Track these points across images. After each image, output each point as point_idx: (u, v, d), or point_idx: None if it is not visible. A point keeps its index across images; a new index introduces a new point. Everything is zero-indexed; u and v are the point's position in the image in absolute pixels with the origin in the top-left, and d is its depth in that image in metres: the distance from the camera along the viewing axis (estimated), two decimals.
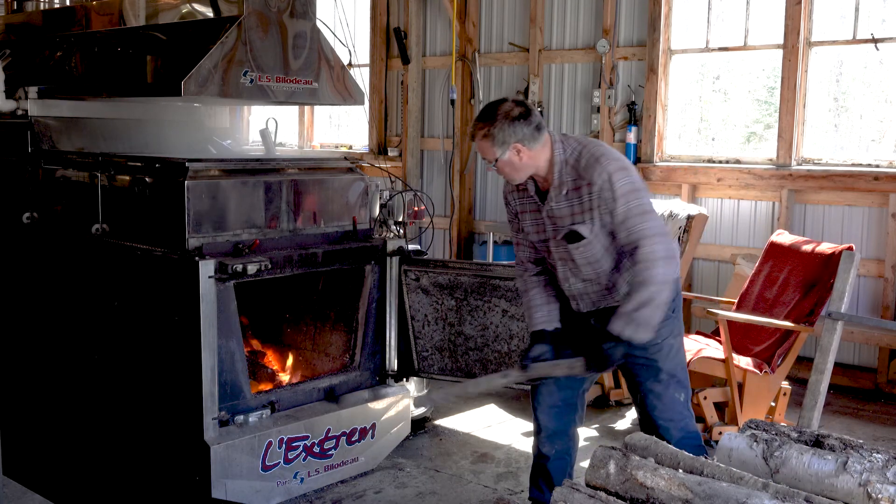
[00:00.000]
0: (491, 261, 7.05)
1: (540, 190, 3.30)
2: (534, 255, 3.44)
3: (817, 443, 3.00)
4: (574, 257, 3.28)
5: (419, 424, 5.00)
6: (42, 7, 6.24)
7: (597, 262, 3.27)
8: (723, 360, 4.72)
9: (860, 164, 6.01)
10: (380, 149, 8.61)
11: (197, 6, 4.70)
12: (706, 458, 2.84)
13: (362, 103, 4.86)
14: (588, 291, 3.36)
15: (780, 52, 6.20)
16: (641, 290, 3.10)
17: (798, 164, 6.19)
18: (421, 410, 5.00)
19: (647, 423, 3.47)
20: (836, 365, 4.65)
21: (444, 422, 5.23)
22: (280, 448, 3.97)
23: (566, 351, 3.36)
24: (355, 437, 4.29)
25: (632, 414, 5.36)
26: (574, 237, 3.24)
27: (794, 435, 3.07)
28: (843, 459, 2.80)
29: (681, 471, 2.70)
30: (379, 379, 4.49)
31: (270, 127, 5.73)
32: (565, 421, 3.57)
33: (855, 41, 6.01)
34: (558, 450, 3.56)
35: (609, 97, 7.00)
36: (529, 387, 3.70)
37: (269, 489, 3.97)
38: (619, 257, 3.26)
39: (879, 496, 2.62)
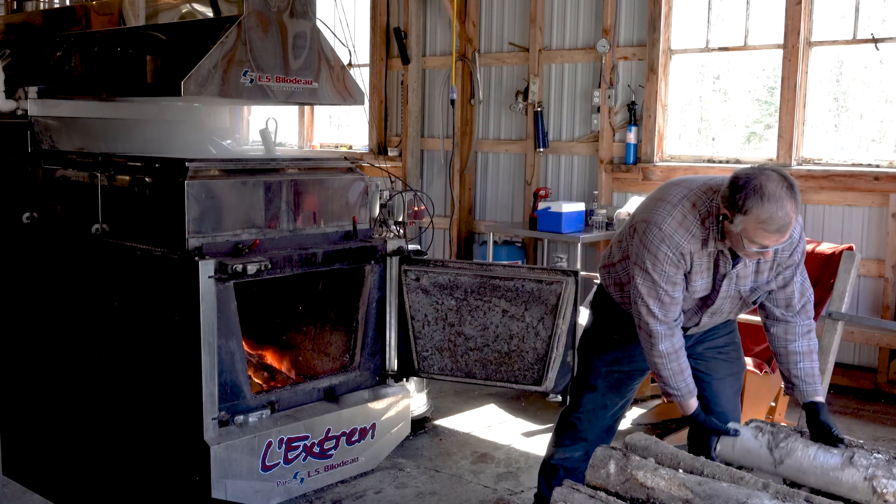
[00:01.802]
0: (491, 261, 7.05)
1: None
2: (679, 314, 3.16)
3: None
4: (742, 309, 3.28)
5: (419, 424, 5.00)
6: (42, 7, 6.24)
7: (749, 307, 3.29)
8: None
9: (860, 164, 6.01)
10: (380, 149, 8.61)
11: (197, 6, 4.70)
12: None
13: (362, 103, 4.86)
14: (704, 329, 3.39)
15: (780, 52, 6.20)
16: (815, 353, 3.19)
17: (798, 164, 6.19)
18: (421, 410, 5.00)
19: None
20: (836, 365, 4.65)
21: (444, 422, 5.23)
22: (280, 448, 3.97)
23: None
24: (355, 437, 4.29)
25: (632, 414, 5.36)
26: (763, 294, 3.16)
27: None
28: (850, 454, 2.80)
29: (681, 471, 2.70)
30: (379, 379, 4.49)
31: (270, 127, 5.74)
32: (614, 432, 3.61)
33: (855, 41, 6.00)
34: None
35: (609, 97, 7.00)
36: (534, 388, 3.70)
37: (269, 489, 3.97)
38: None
39: (885, 491, 2.62)
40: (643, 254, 3.07)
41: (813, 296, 3.21)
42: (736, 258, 3.04)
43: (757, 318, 4.85)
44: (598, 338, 3.51)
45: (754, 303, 3.21)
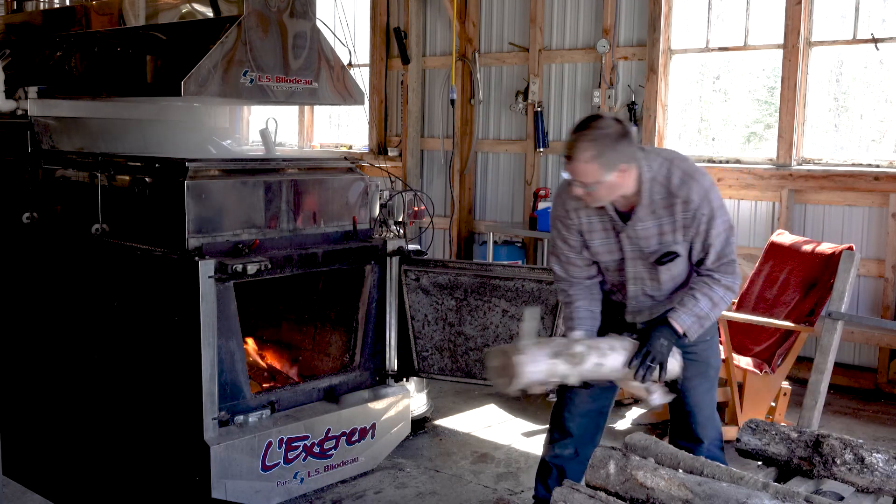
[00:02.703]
0: (491, 261, 7.05)
1: (619, 210, 3.13)
2: (587, 274, 3.29)
3: (817, 443, 3.00)
4: (659, 275, 3.20)
5: (419, 424, 5.00)
6: (42, 7, 6.24)
7: (679, 276, 3.23)
8: (723, 360, 4.71)
9: (860, 164, 6.01)
10: (380, 149, 8.61)
11: (197, 6, 4.70)
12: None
13: (362, 103, 4.86)
14: (652, 305, 3.31)
15: (781, 52, 6.20)
16: (714, 304, 3.13)
17: (798, 164, 6.19)
18: (421, 410, 5.00)
19: (685, 422, 3.44)
20: (836, 365, 4.65)
21: (444, 422, 5.23)
22: (280, 448, 3.97)
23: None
24: (355, 437, 4.29)
25: (632, 414, 5.36)
26: (668, 256, 3.15)
27: (794, 435, 3.07)
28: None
29: (681, 471, 2.70)
30: (379, 379, 4.49)
31: (270, 127, 5.74)
32: (594, 428, 3.58)
33: (855, 41, 6.00)
34: (582, 456, 3.51)
35: (609, 97, 7.00)
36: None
37: (269, 489, 3.97)
38: (691, 269, 3.22)
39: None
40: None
41: (734, 266, 3.18)
42: (626, 215, 3.11)
43: (757, 318, 4.87)
44: None
45: (661, 264, 3.16)
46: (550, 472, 3.61)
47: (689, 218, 3.07)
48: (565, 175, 3.10)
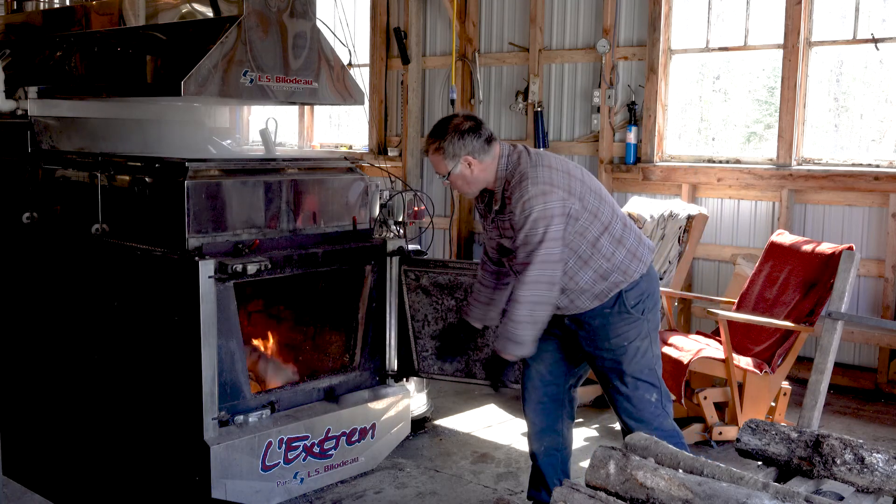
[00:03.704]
0: None
1: (491, 201, 3.41)
2: (494, 253, 3.54)
3: (817, 443, 3.00)
4: (512, 266, 3.37)
5: (419, 424, 5.00)
6: (42, 7, 6.24)
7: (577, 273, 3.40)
8: (723, 360, 4.72)
9: (860, 164, 6.01)
10: (380, 149, 8.61)
11: (197, 6, 4.70)
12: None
13: (362, 103, 4.86)
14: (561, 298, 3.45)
15: (781, 52, 6.20)
16: (511, 307, 3.28)
17: (798, 164, 6.19)
18: (421, 410, 5.00)
19: (622, 425, 3.54)
20: (836, 365, 4.65)
21: (444, 422, 5.23)
22: (280, 448, 3.97)
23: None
24: (355, 437, 4.29)
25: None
26: (504, 249, 3.37)
27: (794, 435, 3.07)
28: None
29: (681, 471, 2.70)
30: (379, 379, 4.49)
31: (270, 127, 5.73)
32: (553, 417, 3.62)
33: (855, 41, 6.00)
34: (547, 446, 3.62)
35: (609, 97, 7.00)
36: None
37: (269, 489, 3.97)
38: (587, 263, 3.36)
39: None
40: None
41: (531, 291, 3.24)
42: (496, 207, 3.35)
43: (757, 318, 4.87)
44: None
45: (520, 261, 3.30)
46: (534, 469, 3.70)
47: (516, 217, 3.22)
48: None
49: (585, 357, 3.53)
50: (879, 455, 2.87)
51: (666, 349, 4.79)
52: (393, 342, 4.49)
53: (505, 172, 3.31)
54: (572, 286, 3.34)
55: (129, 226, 4.16)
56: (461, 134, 3.25)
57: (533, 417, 3.63)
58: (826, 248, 4.85)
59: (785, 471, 3.09)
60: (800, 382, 5.19)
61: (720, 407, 4.91)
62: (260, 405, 3.98)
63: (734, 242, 6.46)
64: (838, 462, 2.91)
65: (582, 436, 4.98)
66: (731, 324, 4.72)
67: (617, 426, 5.20)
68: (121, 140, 5.10)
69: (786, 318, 4.80)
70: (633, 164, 6.88)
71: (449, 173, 3.30)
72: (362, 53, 8.39)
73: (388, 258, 4.41)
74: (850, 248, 4.36)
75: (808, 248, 4.96)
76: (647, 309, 3.43)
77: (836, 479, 2.94)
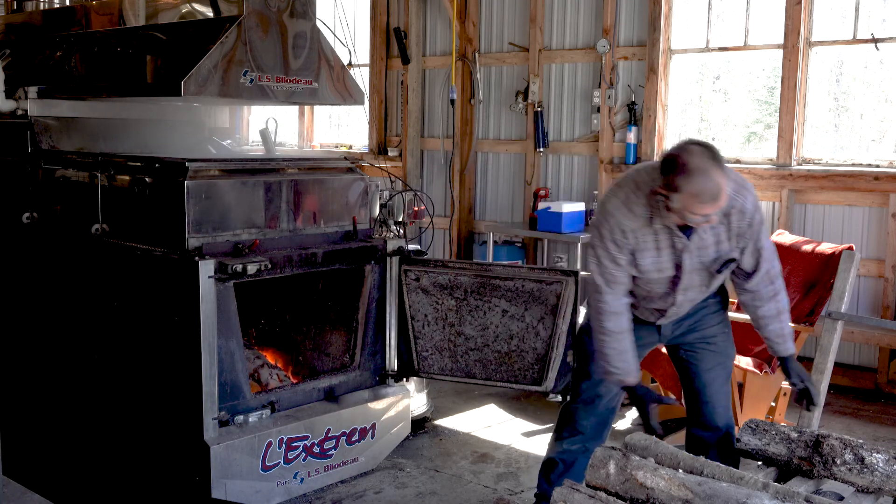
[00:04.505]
0: (491, 261, 7.05)
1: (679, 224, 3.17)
2: (625, 291, 3.29)
3: (817, 443, 3.00)
4: (712, 282, 3.34)
5: (419, 424, 5.00)
6: (42, 7, 6.24)
7: (722, 278, 3.39)
8: None
9: (860, 164, 6.01)
10: (380, 149, 8.61)
11: (197, 6, 4.70)
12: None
13: (362, 103, 4.86)
14: (684, 310, 3.45)
15: (781, 52, 6.20)
16: (784, 313, 3.41)
17: (798, 164, 6.19)
18: (421, 410, 5.00)
19: (702, 411, 3.55)
20: (836, 365, 4.65)
21: (444, 422, 5.23)
22: (280, 448, 3.97)
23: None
24: (355, 437, 4.29)
25: (632, 414, 5.36)
26: (727, 264, 3.27)
27: (794, 435, 3.07)
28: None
29: (681, 471, 2.70)
30: (379, 379, 4.49)
31: (270, 127, 5.74)
32: (605, 426, 3.66)
33: (855, 41, 6.00)
34: (590, 451, 3.60)
35: (609, 97, 6.99)
36: (534, 388, 3.73)
37: (269, 489, 3.97)
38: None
39: None
40: (593, 233, 3.27)
41: (777, 265, 3.37)
42: (686, 231, 3.15)
43: None
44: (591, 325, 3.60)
45: (719, 272, 3.31)
46: (555, 467, 3.66)
47: (745, 226, 3.19)
48: (616, 210, 3.16)
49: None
50: (879, 455, 2.88)
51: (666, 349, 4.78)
52: (393, 342, 4.49)
53: None
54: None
55: (129, 226, 4.16)
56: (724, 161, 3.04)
57: (586, 426, 3.59)
58: (826, 248, 4.85)
59: (785, 471, 3.09)
60: None
61: None
62: (260, 405, 3.98)
63: None
64: (838, 462, 2.91)
65: None
66: (732, 324, 4.71)
67: (617, 426, 5.21)
68: (121, 140, 5.10)
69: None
70: (633, 165, 6.88)
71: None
72: (362, 53, 8.39)
73: (388, 258, 4.41)
74: (850, 248, 4.36)
75: (808, 248, 4.96)
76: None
77: (836, 479, 2.94)
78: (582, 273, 4.44)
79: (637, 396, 3.33)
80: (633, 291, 3.33)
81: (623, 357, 3.26)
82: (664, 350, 3.91)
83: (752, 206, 3.20)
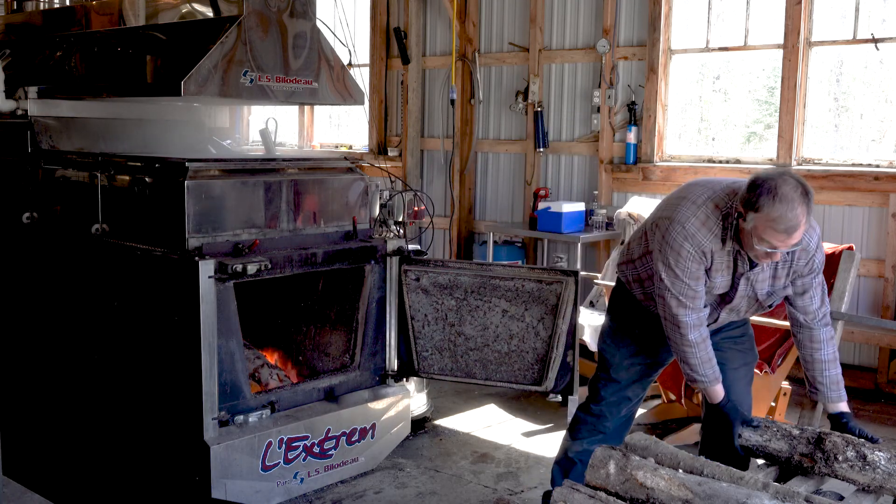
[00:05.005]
0: (491, 261, 7.05)
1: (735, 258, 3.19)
2: (704, 304, 3.28)
3: (819, 440, 3.00)
4: (758, 310, 3.37)
5: (419, 424, 5.00)
6: (42, 7, 6.24)
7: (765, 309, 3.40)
8: None
9: (860, 164, 6.01)
10: (380, 149, 8.61)
11: (197, 6, 4.70)
12: None
13: (362, 103, 4.85)
14: (725, 322, 3.47)
15: (781, 52, 6.20)
16: (836, 360, 3.33)
17: (798, 164, 6.19)
18: (421, 410, 5.00)
19: None
20: None
21: (444, 422, 5.23)
22: (280, 448, 3.97)
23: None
24: (355, 437, 4.29)
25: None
26: (777, 298, 3.29)
27: (796, 432, 3.07)
28: None
29: (681, 471, 2.70)
30: (379, 379, 4.49)
31: (270, 127, 5.74)
32: (625, 427, 3.68)
33: (855, 41, 6.00)
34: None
35: (609, 97, 7.00)
36: (534, 388, 3.72)
37: (269, 489, 3.97)
38: None
39: None
40: (667, 250, 3.17)
41: (828, 307, 3.36)
42: (753, 261, 3.13)
43: (759, 319, 4.86)
44: (620, 333, 3.59)
45: (770, 306, 3.33)
46: (574, 466, 3.65)
47: (805, 265, 3.19)
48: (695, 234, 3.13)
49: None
50: (881, 453, 2.87)
51: None
52: (393, 342, 4.49)
53: None
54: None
55: (129, 226, 4.15)
56: (810, 199, 2.96)
57: (608, 427, 3.62)
58: (826, 248, 4.85)
59: (786, 468, 3.09)
60: (800, 382, 5.17)
61: None
62: (260, 405, 3.98)
63: None
64: (840, 459, 2.91)
65: None
66: None
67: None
68: (121, 140, 5.10)
69: (786, 319, 4.79)
70: (633, 165, 6.88)
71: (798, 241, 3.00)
72: (362, 53, 8.39)
73: (388, 258, 4.41)
74: (850, 248, 4.36)
75: None
76: None
77: (837, 476, 2.94)
78: (582, 273, 4.45)
79: (723, 414, 3.24)
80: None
81: (708, 365, 3.26)
82: None
83: (816, 245, 3.17)
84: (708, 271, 3.17)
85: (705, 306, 3.25)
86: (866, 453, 2.89)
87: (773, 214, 2.89)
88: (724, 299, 3.28)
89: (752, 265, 3.15)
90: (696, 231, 3.12)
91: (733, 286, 3.22)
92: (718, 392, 3.26)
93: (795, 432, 3.08)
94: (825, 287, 3.33)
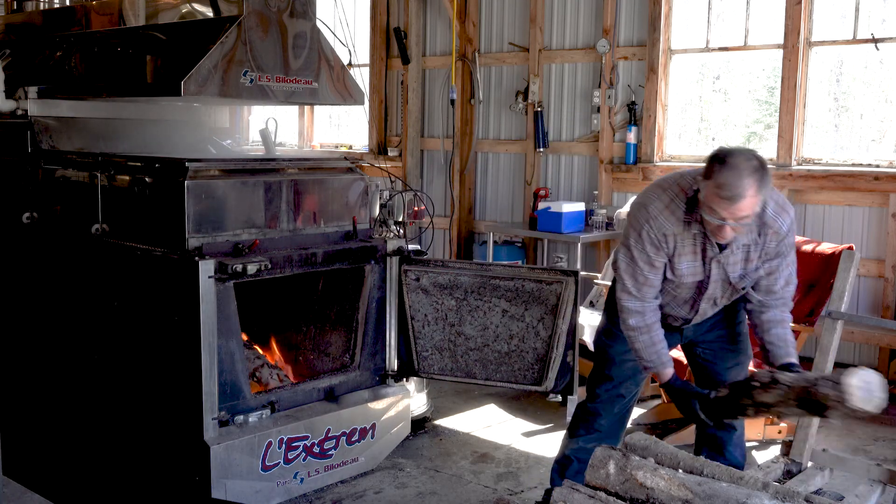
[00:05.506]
0: (491, 261, 7.05)
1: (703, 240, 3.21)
2: (655, 294, 3.33)
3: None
4: (734, 295, 3.36)
5: (419, 424, 5.00)
6: (42, 7, 6.24)
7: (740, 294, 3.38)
8: None
9: (860, 164, 6.01)
10: (380, 149, 8.61)
11: (197, 6, 4.70)
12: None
13: (362, 103, 4.85)
14: (707, 316, 3.48)
15: (781, 52, 6.20)
16: (788, 322, 3.34)
17: (798, 164, 6.19)
18: (421, 410, 5.00)
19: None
20: (836, 365, 4.63)
21: (444, 422, 5.23)
22: (280, 448, 3.97)
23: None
24: (355, 437, 4.29)
25: (632, 414, 5.36)
26: (751, 280, 3.29)
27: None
28: None
29: (681, 471, 2.70)
30: (379, 379, 4.49)
31: (270, 127, 5.74)
32: (622, 425, 3.71)
33: (855, 41, 6.00)
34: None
35: (609, 97, 7.00)
36: (534, 388, 3.72)
37: (269, 489, 3.97)
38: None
39: None
40: (629, 232, 3.26)
41: (794, 288, 3.37)
42: (722, 245, 3.17)
43: None
44: (613, 329, 3.60)
45: (743, 289, 3.33)
46: (571, 464, 3.68)
47: (775, 247, 3.20)
48: (659, 213, 3.15)
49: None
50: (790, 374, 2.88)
51: None
52: (393, 342, 4.49)
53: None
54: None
55: (129, 226, 4.15)
56: (766, 171, 2.97)
57: (604, 425, 3.64)
58: (826, 247, 4.85)
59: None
60: None
61: None
62: (260, 405, 3.98)
63: None
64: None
65: None
66: None
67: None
68: (121, 140, 5.10)
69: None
70: (633, 165, 6.88)
71: (749, 215, 3.00)
72: (362, 53, 8.39)
73: (388, 258, 4.41)
74: (850, 248, 4.35)
75: (807, 248, 4.95)
76: None
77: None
78: (582, 273, 4.45)
79: (676, 391, 3.33)
80: (660, 295, 3.36)
81: (653, 350, 3.31)
82: (678, 351, 3.93)
83: (788, 229, 3.19)
84: (671, 259, 3.20)
85: (656, 299, 3.30)
86: (779, 377, 2.98)
87: (720, 180, 2.93)
88: (701, 289, 3.30)
89: (722, 248, 3.18)
90: (657, 213, 3.17)
91: (706, 273, 3.25)
92: (667, 374, 3.32)
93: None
94: (794, 269, 3.33)
